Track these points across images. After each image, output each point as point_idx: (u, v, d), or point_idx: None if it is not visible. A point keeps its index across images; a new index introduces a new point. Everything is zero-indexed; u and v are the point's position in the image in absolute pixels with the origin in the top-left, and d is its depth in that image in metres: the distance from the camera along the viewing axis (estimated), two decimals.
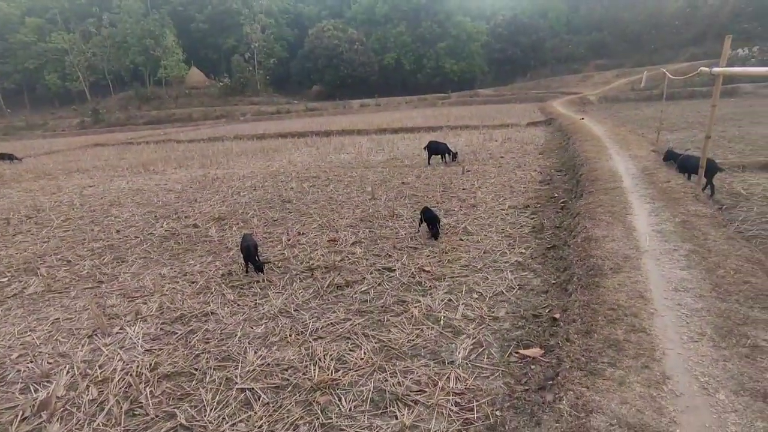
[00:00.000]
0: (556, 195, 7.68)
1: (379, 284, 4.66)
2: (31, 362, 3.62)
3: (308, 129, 24.97)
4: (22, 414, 3.00)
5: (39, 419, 2.94)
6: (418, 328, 3.73)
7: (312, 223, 7.11)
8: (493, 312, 3.90)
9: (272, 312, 4.20)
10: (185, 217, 8.03)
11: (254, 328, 3.94)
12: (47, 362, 3.60)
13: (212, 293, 4.73)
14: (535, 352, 3.23)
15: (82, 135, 41.06)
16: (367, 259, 5.38)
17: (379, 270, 5.03)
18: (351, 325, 3.87)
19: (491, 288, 4.37)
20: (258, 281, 4.94)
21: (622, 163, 8.53)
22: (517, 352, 3.28)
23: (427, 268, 4.94)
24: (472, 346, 3.41)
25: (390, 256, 5.45)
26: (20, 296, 5.00)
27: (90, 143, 28.00)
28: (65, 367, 3.50)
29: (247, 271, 5.18)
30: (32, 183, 13.43)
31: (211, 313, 4.28)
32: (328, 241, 6.17)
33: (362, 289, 4.57)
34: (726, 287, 3.36)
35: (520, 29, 61.02)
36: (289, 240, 6.30)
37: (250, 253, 5.00)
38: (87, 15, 63.80)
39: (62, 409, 3.02)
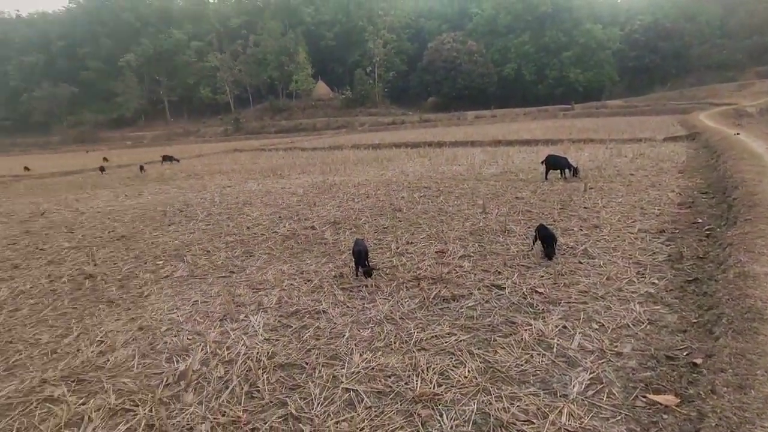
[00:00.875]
0: (699, 220, 6.68)
1: (486, 301, 4.50)
2: (175, 336, 4.19)
3: (422, 140, 25.36)
4: (166, 380, 3.47)
5: (178, 387, 3.38)
6: (528, 353, 3.50)
7: (421, 233, 7.16)
8: (615, 346, 3.50)
9: (379, 317, 4.30)
10: (305, 219, 8.66)
11: (361, 331, 4.07)
12: (187, 338, 4.13)
13: (324, 293, 5.01)
14: (668, 399, 2.81)
15: (224, 141, 46.99)
16: (475, 274, 5.24)
17: (487, 286, 4.86)
18: (456, 340, 3.78)
19: (614, 319, 3.93)
20: (366, 285, 5.10)
21: None
22: (644, 396, 2.89)
23: (540, 290, 4.64)
24: (589, 381, 3.09)
25: (500, 273, 5.24)
26: (170, 278, 5.84)
27: (230, 149, 31.90)
28: (200, 344, 3.98)
29: (357, 275, 5.39)
30: (184, 181, 15.70)
31: (323, 311, 4.52)
32: (436, 252, 6.15)
33: (469, 305, 4.45)
34: None
35: (661, 35, 54.90)
36: (398, 248, 6.42)
37: (361, 257, 5.20)
38: (237, 37, 73.26)
39: (196, 381, 3.43)
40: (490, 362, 3.43)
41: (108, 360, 3.82)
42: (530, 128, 29.38)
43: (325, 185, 12.51)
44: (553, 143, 19.10)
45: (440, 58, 60.55)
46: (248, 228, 8.23)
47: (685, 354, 3.29)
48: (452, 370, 3.35)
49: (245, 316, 4.52)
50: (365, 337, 3.95)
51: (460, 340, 3.77)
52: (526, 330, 3.83)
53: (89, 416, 3.08)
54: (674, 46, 55.09)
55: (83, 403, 3.24)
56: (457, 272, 5.33)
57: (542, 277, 5.01)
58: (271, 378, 3.41)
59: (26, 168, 26.72)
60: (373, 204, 9.60)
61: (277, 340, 4.01)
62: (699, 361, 3.10)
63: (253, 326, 4.28)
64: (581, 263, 5.35)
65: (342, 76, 72.97)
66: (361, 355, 3.65)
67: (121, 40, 75.18)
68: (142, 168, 20.59)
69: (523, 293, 4.60)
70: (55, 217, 10.62)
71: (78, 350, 4.02)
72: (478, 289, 4.81)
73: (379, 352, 3.69)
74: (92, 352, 3.97)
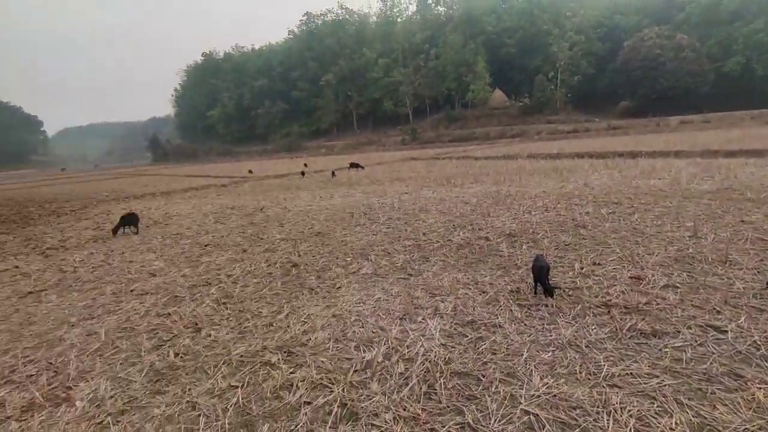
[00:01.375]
0: None
1: (700, 344, 3.77)
2: (362, 328, 4.63)
3: (610, 149, 22.76)
4: (355, 366, 3.87)
5: (364, 374, 3.74)
6: (763, 419, 2.81)
7: (610, 254, 6.41)
8: None
9: (560, 341, 4.01)
10: (478, 229, 8.62)
11: (541, 353, 3.86)
12: (371, 331, 4.53)
13: (500, 306, 4.90)
14: None
15: (402, 150, 50.12)
16: (683, 309, 4.45)
17: (700, 326, 4.07)
18: (658, 383, 3.27)
19: None
20: (546, 305, 4.81)
21: None
22: None
23: None
24: None
25: (718, 312, 4.33)
26: (357, 274, 6.49)
27: (407, 157, 33.84)
28: (383, 339, 4.32)
29: (536, 292, 5.12)
30: (368, 186, 17.26)
31: (499, 326, 4.43)
32: (629, 277, 5.42)
33: (675, 345, 3.80)
34: None
35: None
36: (582, 268, 5.88)
37: (542, 274, 4.93)
38: (419, 52, 77.51)
39: (380, 372, 3.74)
40: (706, 418, 2.87)
41: (310, 339, 4.45)
42: (761, 135, 23.60)
43: (498, 195, 12.25)
44: None
45: (638, 57, 53.42)
46: (424, 234, 8.59)
47: None
48: (654, 417, 2.91)
49: (423, 319, 4.73)
50: (546, 360, 3.72)
51: (664, 385, 3.25)
52: (760, 389, 3.08)
53: (296, 384, 3.64)
54: None
55: (292, 372, 3.85)
56: (659, 304, 4.61)
57: None
58: (448, 383, 3.49)
59: (250, 171, 33.17)
60: (553, 218, 8.99)
61: (453, 347, 4.09)
62: None
63: (430, 329, 4.45)
64: None
65: (521, 83, 70.60)
66: (541, 378, 3.46)
67: (323, 62, 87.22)
68: (333, 173, 23.49)
69: (755, 342, 3.71)
70: (270, 212, 12.87)
71: (288, 326, 4.79)
72: (688, 327, 4.07)
73: (562, 379, 3.43)
74: (298, 329, 4.68)
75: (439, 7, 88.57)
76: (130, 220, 11.39)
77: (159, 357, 4.33)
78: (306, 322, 4.86)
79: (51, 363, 4.38)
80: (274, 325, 4.89)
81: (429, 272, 6.29)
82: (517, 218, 9.28)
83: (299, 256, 7.72)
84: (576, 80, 62.79)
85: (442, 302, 5.13)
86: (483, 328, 4.43)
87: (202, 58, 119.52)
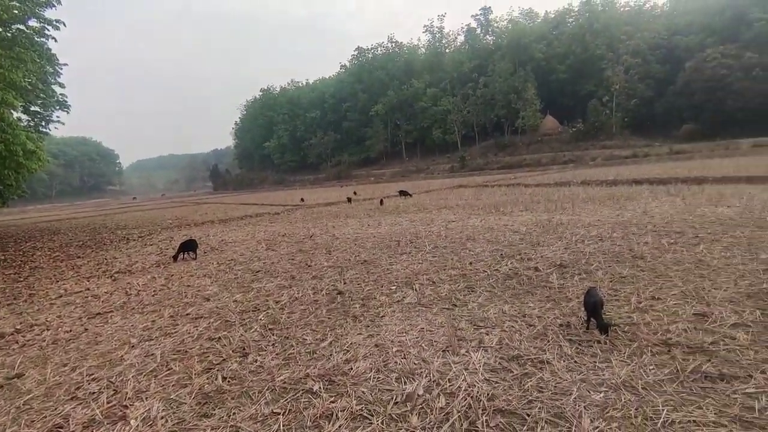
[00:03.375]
0: None
1: None
2: (404, 359, 4.59)
3: (671, 175, 21.51)
4: (395, 399, 3.83)
5: (404, 407, 3.68)
6: None
7: (672, 288, 5.99)
8: None
9: (614, 382, 3.76)
10: (527, 259, 8.36)
11: (592, 393, 3.63)
12: (413, 362, 4.47)
13: (549, 342, 4.69)
14: None
15: (450, 177, 49.98)
16: (755, 351, 4.05)
17: None
18: None
19: None
20: (599, 341, 4.54)
21: None
22: None
23: None
24: None
25: None
26: (401, 303, 6.47)
27: (455, 185, 33.69)
28: (424, 371, 4.25)
29: (588, 328, 4.86)
30: (415, 215, 17.31)
31: (547, 362, 4.23)
32: (694, 314, 5.02)
33: (747, 390, 3.45)
34: None
35: None
36: (639, 303, 5.52)
37: (596, 309, 4.68)
38: (468, 80, 78.09)
39: (420, 406, 3.67)
40: None
41: (351, 368, 4.46)
42: None
43: (549, 224, 11.86)
44: None
45: (701, 78, 50.82)
46: (470, 263, 8.45)
47: None
48: None
49: (466, 351, 4.61)
50: (597, 402, 3.50)
51: None
52: None
53: (336, 414, 3.65)
54: None
55: (332, 402, 3.86)
56: (727, 344, 4.22)
57: None
58: (491, 422, 3.36)
59: (302, 199, 34.33)
60: (608, 248, 8.56)
61: (497, 382, 3.95)
62: None
63: (473, 363, 4.33)
64: None
65: (573, 109, 68.97)
66: (592, 421, 3.24)
67: (373, 93, 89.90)
68: (381, 201, 23.80)
69: None
70: (319, 239, 13.20)
71: (331, 354, 4.84)
72: (761, 372, 3.69)
73: (615, 423, 3.20)
74: (341, 358, 4.71)
75: (487, 36, 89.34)
76: (189, 246, 12.09)
77: (208, 380, 4.50)
78: (348, 351, 4.89)
79: (111, 382, 4.67)
80: (318, 352, 4.95)
81: (474, 303, 6.16)
82: (569, 248, 8.93)
83: (345, 283, 7.82)
84: (633, 104, 60.39)
85: (487, 335, 4.99)
86: (529, 363, 4.25)
87: (260, 93, 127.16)
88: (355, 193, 35.26)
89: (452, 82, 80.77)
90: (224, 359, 4.98)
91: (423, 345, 4.88)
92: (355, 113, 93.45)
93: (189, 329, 6.12)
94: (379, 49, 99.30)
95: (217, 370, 4.70)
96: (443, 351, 4.67)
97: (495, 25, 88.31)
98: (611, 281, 6.56)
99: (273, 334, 5.62)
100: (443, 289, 6.90)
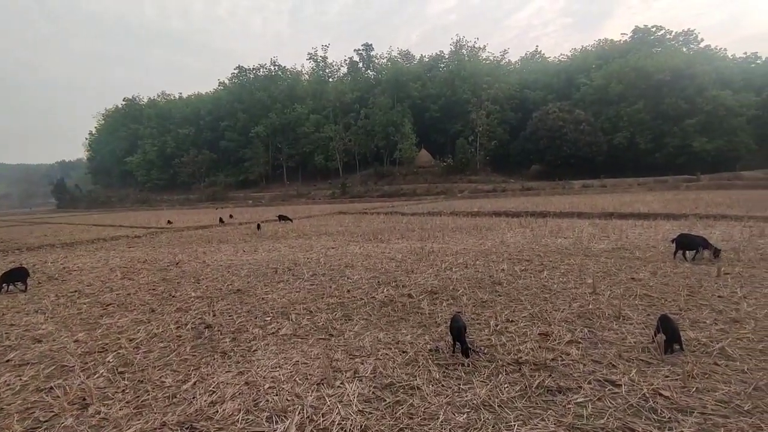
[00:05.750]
0: None
1: (599, 399, 4.04)
2: (276, 396, 4.38)
3: (523, 209, 24.66)
4: None
5: None
6: None
7: (522, 311, 6.79)
8: None
9: (475, 402, 4.08)
10: (402, 286, 8.75)
11: (456, 415, 3.88)
12: (286, 399, 4.30)
13: (419, 367, 4.91)
14: None
15: (331, 203, 50.39)
16: (584, 364, 4.77)
17: (599, 381, 4.38)
18: None
19: None
20: (463, 364, 4.91)
21: None
22: None
23: (665, 393, 4.05)
24: None
25: (614, 366, 4.70)
26: (276, 335, 6.21)
27: (336, 211, 34.04)
28: (298, 407, 4.11)
29: (453, 351, 5.22)
30: (294, 240, 16.98)
31: (417, 387, 4.42)
32: (539, 334, 5.75)
33: (577, 400, 4.03)
34: None
35: None
36: (497, 325, 6.13)
37: (461, 334, 5.06)
38: (350, 110, 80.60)
39: None
40: None
41: (217, 411, 4.11)
42: (646, 200, 27.04)
43: (423, 252, 12.62)
44: (675, 218, 17.28)
45: (545, 127, 59.90)
46: (348, 291, 8.53)
47: None
48: None
49: (341, 383, 4.59)
50: (461, 423, 3.75)
51: None
52: None
53: None
54: None
55: None
56: (564, 360, 4.90)
57: (667, 377, 4.39)
58: None
59: (169, 221, 31.23)
60: (472, 275, 9.40)
61: (370, 413, 3.99)
62: None
63: (348, 395, 4.32)
64: (718, 365, 4.60)
65: (444, 145, 75.43)
66: None
67: (254, 114, 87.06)
68: (259, 226, 22.85)
69: (644, 395, 4.05)
70: (187, 267, 12.10)
71: (194, 397, 4.40)
72: (589, 383, 4.35)
73: None
74: (205, 401, 4.31)
75: (368, 71, 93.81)
76: (15, 275, 10.10)
77: None
78: (215, 392, 4.50)
79: None
80: (178, 396, 4.46)
81: (351, 332, 6.20)
82: (439, 275, 9.58)
83: (214, 316, 7.26)
84: (493, 144, 68.50)
85: (362, 364, 5.04)
86: (401, 390, 4.39)
87: (124, 102, 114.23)
88: (231, 216, 33.30)
89: (335, 110, 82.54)
90: (56, 414, 4.20)
91: (297, 379, 4.73)
92: (234, 133, 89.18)
93: (8, 380, 5.04)
94: (261, 70, 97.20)
95: (45, 429, 3.94)
96: (318, 384, 4.58)
97: (376, 61, 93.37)
98: (474, 306, 7.19)
99: (123, 379, 4.93)
100: (320, 319, 6.83)
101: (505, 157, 69.14)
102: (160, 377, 4.94)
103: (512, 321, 6.33)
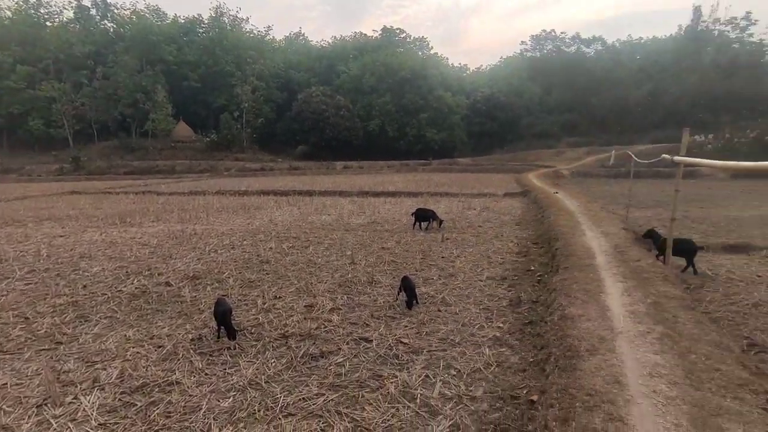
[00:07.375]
0: (532, 268, 7.83)
1: (355, 356, 4.55)
2: None
3: (291, 188, 25.26)
4: None
5: None
6: (394, 407, 3.60)
7: (289, 286, 7.00)
8: (470, 391, 3.82)
9: (242, 383, 4.01)
10: (158, 274, 7.80)
11: (221, 401, 3.74)
12: None
13: (179, 360, 4.51)
14: None
15: (59, 181, 40.30)
16: (343, 328, 5.28)
17: (355, 340, 4.93)
18: (324, 401, 3.71)
19: (469, 364, 4.30)
20: (229, 348, 4.75)
21: (595, 240, 8.84)
22: None
23: (405, 340, 4.87)
24: (449, 429, 3.30)
25: (367, 325, 5.37)
26: None
27: (66, 190, 27.49)
28: None
29: (219, 337, 4.99)
30: None
31: (176, 382, 4.05)
32: (304, 306, 6.05)
33: (337, 361, 4.44)
34: (698, 374, 3.41)
35: (497, 106, 65.42)
36: (264, 304, 6.15)
37: (225, 318, 4.85)
38: (81, 67, 65.20)
39: None
40: (357, 421, 3.43)
41: None
42: (394, 180, 31.52)
43: (183, 235, 11.52)
44: (414, 195, 20.73)
45: (309, 109, 62.34)
46: (84, 287, 7.08)
47: (525, 392, 3.74)
48: None
49: (74, 398, 3.80)
50: (225, 408, 3.63)
51: (329, 400, 3.72)
52: (392, 383, 3.95)
53: None
54: (507, 116, 65.91)
55: None
56: (326, 327, 5.31)
57: (406, 327, 5.27)
58: None
59: None
60: (239, 256, 9.13)
61: (116, 423, 3.44)
62: (535, 398, 3.55)
63: (84, 409, 3.61)
64: (440, 311, 5.79)
65: (206, 119, 69.76)
66: (220, 430, 3.33)
67: None
68: None
69: (389, 345, 4.77)
70: None
71: None
72: (347, 343, 4.85)
73: (242, 424, 3.42)
74: None
75: (105, 21, 77.69)
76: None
77: None
78: None
79: None
80: None
81: (88, 335, 5.18)
82: (203, 258, 8.95)
83: None
84: (260, 122, 67.20)
85: (105, 370, 4.29)
86: (157, 389, 3.94)
87: None
88: None
89: (58, 64, 65.22)
90: None
91: (5, 407, 3.68)
92: None
93: None
94: None
95: None
96: (38, 407, 3.67)
97: (116, 11, 77.86)
98: (241, 287, 7.01)
99: None
100: (42, 325, 5.46)
101: (273, 136, 69.06)
102: None
103: (279, 297, 6.46)
